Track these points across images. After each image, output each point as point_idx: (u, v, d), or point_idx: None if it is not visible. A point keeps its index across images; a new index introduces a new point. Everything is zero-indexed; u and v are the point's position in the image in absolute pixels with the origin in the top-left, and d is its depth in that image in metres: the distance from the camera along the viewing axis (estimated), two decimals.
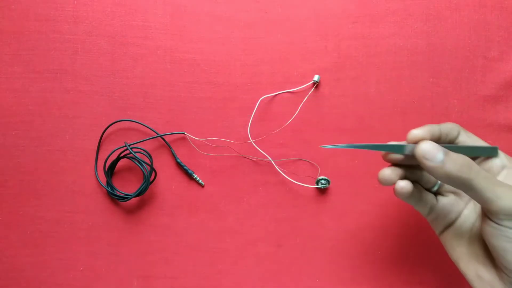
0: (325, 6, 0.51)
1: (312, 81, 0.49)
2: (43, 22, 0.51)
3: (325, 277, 0.50)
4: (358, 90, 0.50)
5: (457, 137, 0.38)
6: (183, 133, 0.50)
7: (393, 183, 0.36)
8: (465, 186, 0.32)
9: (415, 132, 0.36)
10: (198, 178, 0.50)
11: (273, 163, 0.49)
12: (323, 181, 0.49)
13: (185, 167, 0.50)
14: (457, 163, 0.32)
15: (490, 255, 0.35)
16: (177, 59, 0.51)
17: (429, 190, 0.39)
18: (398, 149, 0.35)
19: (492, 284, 0.35)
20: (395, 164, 0.37)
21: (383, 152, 0.37)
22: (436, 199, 0.39)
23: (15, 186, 0.51)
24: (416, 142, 0.35)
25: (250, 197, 0.51)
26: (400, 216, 0.50)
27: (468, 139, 0.38)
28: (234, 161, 0.51)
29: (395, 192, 0.36)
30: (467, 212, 0.38)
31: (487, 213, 0.33)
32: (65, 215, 0.51)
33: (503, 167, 0.37)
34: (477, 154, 0.37)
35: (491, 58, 0.50)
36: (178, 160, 0.50)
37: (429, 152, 0.33)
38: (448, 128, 0.37)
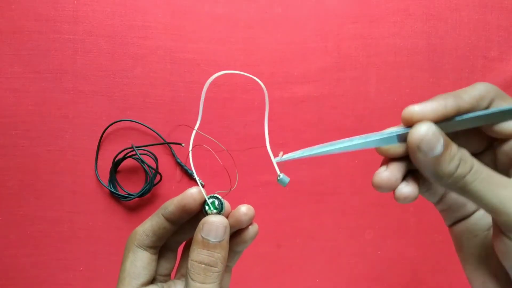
0: (325, 6, 0.51)
1: None
2: (43, 22, 0.51)
3: (325, 277, 0.50)
4: (358, 90, 0.50)
5: (488, 108, 0.25)
6: (181, 145, 0.50)
7: (394, 189, 0.26)
8: (459, 190, 0.23)
9: (414, 109, 0.25)
10: (198, 178, 0.50)
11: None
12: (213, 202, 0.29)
13: (185, 167, 0.50)
14: (455, 160, 0.23)
15: (505, 269, 0.25)
16: (177, 59, 0.51)
17: None
18: (389, 140, 0.26)
19: None
20: (392, 158, 0.27)
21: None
22: None
23: (15, 186, 0.51)
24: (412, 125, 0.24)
25: (250, 197, 0.51)
26: (400, 216, 0.50)
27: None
28: (234, 160, 0.51)
29: (395, 199, 0.25)
30: None
31: (498, 224, 0.23)
32: (65, 215, 0.51)
33: None
34: (497, 121, 0.25)
35: (491, 58, 0.50)
36: (178, 161, 0.50)
37: (426, 141, 0.23)
38: (474, 97, 0.25)
